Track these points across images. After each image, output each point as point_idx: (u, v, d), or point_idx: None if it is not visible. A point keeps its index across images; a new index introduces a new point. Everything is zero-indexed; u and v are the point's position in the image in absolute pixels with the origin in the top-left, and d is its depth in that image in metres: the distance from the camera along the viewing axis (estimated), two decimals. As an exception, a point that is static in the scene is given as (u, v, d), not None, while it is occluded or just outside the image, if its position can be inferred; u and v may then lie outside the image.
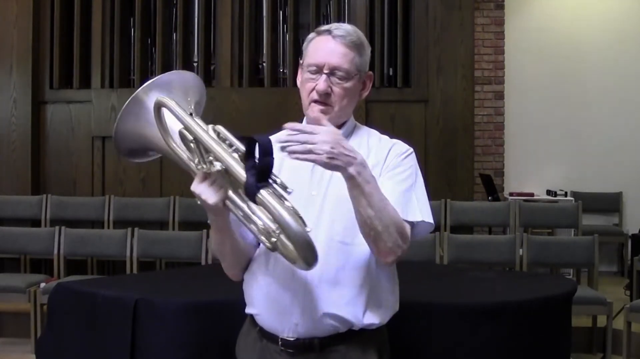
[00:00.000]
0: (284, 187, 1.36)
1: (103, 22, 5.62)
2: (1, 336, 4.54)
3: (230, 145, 1.40)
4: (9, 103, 5.59)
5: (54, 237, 4.52)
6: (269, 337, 1.59)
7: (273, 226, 1.34)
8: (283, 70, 5.67)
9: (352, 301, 1.54)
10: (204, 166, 1.41)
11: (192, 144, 1.41)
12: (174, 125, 1.48)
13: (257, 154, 1.35)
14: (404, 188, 1.56)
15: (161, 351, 2.61)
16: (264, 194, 1.32)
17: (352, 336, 1.56)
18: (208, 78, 5.70)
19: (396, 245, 1.47)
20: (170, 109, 1.44)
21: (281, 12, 5.69)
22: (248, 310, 1.64)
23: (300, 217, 1.34)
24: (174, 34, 5.70)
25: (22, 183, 5.55)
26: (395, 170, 1.58)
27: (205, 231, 4.25)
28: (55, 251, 4.51)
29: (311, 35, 1.64)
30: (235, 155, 1.38)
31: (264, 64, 5.62)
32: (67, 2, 5.67)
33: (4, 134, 5.58)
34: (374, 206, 1.43)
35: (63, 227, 4.56)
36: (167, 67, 5.71)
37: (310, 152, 1.36)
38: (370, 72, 1.66)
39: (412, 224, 1.54)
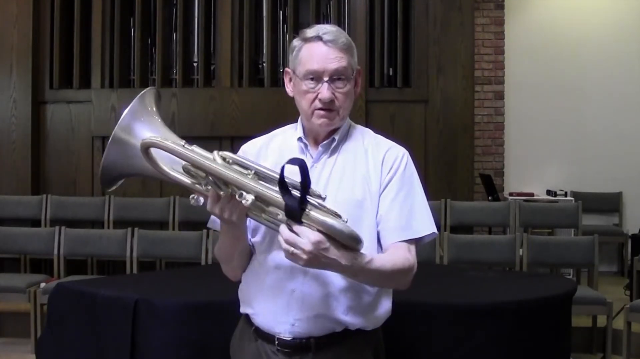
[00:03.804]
0: (319, 196, 1.40)
1: (103, 22, 5.62)
2: (1, 336, 4.54)
3: (244, 167, 1.41)
4: (9, 103, 5.59)
5: (54, 237, 4.52)
6: (264, 337, 1.59)
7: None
8: (283, 71, 5.65)
9: (348, 303, 1.55)
10: (222, 192, 1.40)
11: (204, 178, 1.40)
12: (167, 153, 1.44)
13: (286, 176, 1.37)
14: (409, 206, 1.58)
15: (161, 351, 2.61)
16: (309, 213, 1.36)
17: (348, 336, 1.57)
18: (208, 78, 5.70)
19: (403, 282, 1.56)
20: (166, 149, 1.39)
21: (281, 12, 5.69)
22: (244, 310, 1.64)
23: (339, 216, 1.40)
24: (174, 34, 5.70)
25: (22, 183, 5.55)
26: (397, 186, 1.59)
27: (205, 231, 4.25)
28: (55, 251, 4.50)
29: (297, 42, 1.60)
30: (254, 179, 1.39)
31: (264, 64, 5.62)
32: (67, 2, 5.67)
33: (4, 134, 5.58)
34: (371, 281, 1.53)
35: (63, 227, 4.56)
36: (167, 67, 5.71)
37: (292, 254, 1.37)
38: (359, 68, 1.65)
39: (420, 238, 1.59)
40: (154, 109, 1.49)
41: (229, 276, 1.67)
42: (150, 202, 5.22)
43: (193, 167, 1.40)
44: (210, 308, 2.61)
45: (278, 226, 1.40)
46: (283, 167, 1.38)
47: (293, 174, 1.48)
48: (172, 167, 1.44)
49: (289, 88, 1.65)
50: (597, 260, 4.20)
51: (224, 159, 1.40)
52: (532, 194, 6.44)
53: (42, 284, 4.28)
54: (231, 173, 1.37)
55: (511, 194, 6.47)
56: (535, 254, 4.25)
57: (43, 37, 5.65)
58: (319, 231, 1.36)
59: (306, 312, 1.54)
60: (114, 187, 1.56)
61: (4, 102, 5.59)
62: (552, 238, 5.02)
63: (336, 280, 1.54)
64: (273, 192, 1.37)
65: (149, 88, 1.51)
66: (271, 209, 1.40)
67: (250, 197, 1.35)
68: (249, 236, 1.63)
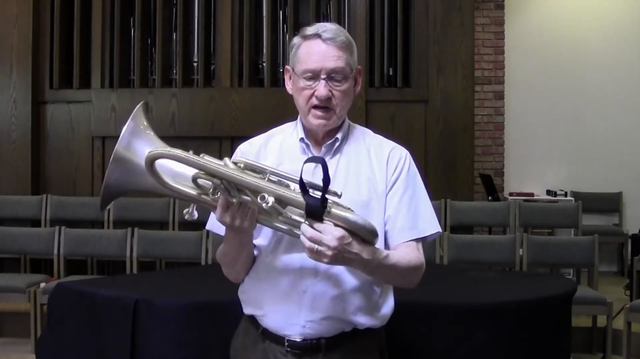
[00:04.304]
0: (336, 194, 1.41)
1: (103, 22, 5.62)
2: (1, 336, 4.54)
3: (258, 171, 1.41)
4: (9, 103, 5.59)
5: (54, 237, 4.52)
6: (273, 338, 1.59)
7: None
8: (283, 71, 5.64)
9: (358, 303, 1.55)
10: (234, 199, 1.39)
11: (212, 187, 1.38)
12: (169, 167, 1.43)
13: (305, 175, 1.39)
14: (415, 206, 1.60)
15: (161, 351, 2.61)
16: (330, 211, 1.37)
17: (357, 335, 1.58)
18: (208, 78, 5.70)
19: (413, 280, 1.57)
20: (176, 158, 1.37)
21: (281, 12, 5.69)
22: (250, 311, 1.63)
23: (353, 211, 1.42)
24: (174, 34, 5.70)
25: (22, 183, 5.55)
26: (402, 187, 1.60)
27: (205, 231, 4.25)
28: (55, 251, 4.50)
29: (297, 40, 1.61)
30: (270, 182, 1.39)
31: (264, 64, 5.62)
32: (67, 2, 5.67)
33: (4, 134, 5.58)
34: (387, 277, 1.54)
35: (63, 227, 4.56)
36: (167, 67, 5.71)
37: (315, 252, 1.37)
38: (359, 67, 1.65)
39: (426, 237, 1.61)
40: (146, 123, 1.49)
41: (230, 279, 1.66)
42: (150, 202, 5.21)
43: (205, 175, 1.38)
44: (210, 308, 2.61)
45: (293, 227, 1.41)
46: (302, 168, 1.39)
47: (295, 173, 1.48)
48: (175, 180, 1.42)
49: (288, 86, 1.65)
50: (597, 260, 4.20)
51: (235, 164, 1.40)
52: (532, 194, 6.44)
53: (42, 284, 4.28)
54: (248, 178, 1.37)
55: (511, 194, 6.47)
56: (535, 254, 4.25)
57: (43, 37, 5.65)
58: (340, 227, 1.38)
59: (317, 313, 1.54)
60: (109, 206, 1.56)
61: (4, 102, 5.58)
62: (552, 238, 5.02)
63: (346, 281, 1.54)
64: (292, 193, 1.38)
65: (139, 105, 1.49)
66: (287, 211, 1.40)
67: (271, 200, 1.35)
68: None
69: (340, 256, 1.37)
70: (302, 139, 1.63)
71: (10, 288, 4.27)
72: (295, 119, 1.69)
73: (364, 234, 1.40)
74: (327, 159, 1.61)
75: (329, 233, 1.36)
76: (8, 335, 4.53)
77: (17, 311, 4.49)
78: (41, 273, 4.88)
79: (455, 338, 2.60)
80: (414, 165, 1.64)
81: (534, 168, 6.73)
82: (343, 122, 1.65)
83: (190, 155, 1.38)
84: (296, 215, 1.40)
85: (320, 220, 1.37)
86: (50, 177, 5.66)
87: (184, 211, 1.44)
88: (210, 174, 1.37)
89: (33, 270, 5.03)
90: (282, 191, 1.37)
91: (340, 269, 1.53)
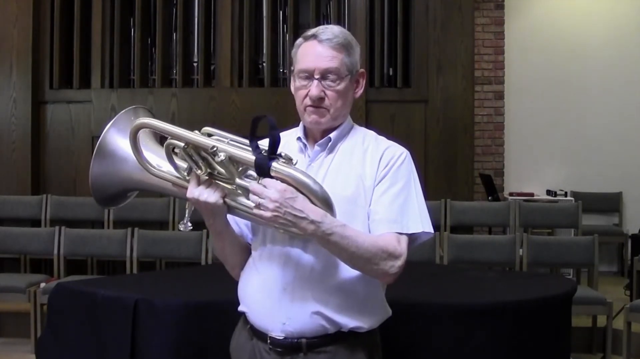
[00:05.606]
0: (289, 159, 1.43)
1: (103, 22, 5.62)
2: (1, 336, 4.54)
3: (221, 138, 1.47)
4: (9, 103, 5.59)
5: (54, 237, 4.52)
6: (258, 335, 1.60)
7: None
8: (283, 70, 5.67)
9: (339, 302, 1.54)
10: (200, 170, 1.45)
11: (184, 151, 1.44)
12: (149, 152, 1.54)
13: (256, 137, 1.44)
14: (400, 201, 1.56)
15: (161, 351, 2.61)
16: (277, 166, 1.40)
17: (340, 337, 1.56)
18: (208, 78, 5.70)
19: (386, 268, 1.49)
20: (153, 126, 1.48)
21: (281, 12, 5.69)
22: (241, 308, 1.65)
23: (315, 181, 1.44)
24: (174, 34, 5.70)
25: (22, 183, 5.55)
26: (389, 181, 1.57)
27: (205, 231, 4.26)
28: (55, 251, 4.51)
29: (299, 41, 1.64)
30: (228, 144, 1.45)
31: (264, 64, 5.62)
32: (67, 2, 5.67)
33: (4, 134, 5.58)
34: (346, 250, 1.46)
35: (63, 227, 4.56)
36: (167, 67, 5.71)
37: (258, 206, 1.40)
38: (363, 70, 1.66)
39: (411, 234, 1.55)
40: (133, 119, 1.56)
41: (233, 275, 1.69)
42: (150, 202, 5.21)
43: (173, 140, 1.45)
44: (210, 308, 2.62)
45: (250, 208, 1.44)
46: (254, 121, 1.44)
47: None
48: (157, 161, 1.53)
49: (292, 87, 1.67)
50: (597, 260, 4.20)
51: (203, 133, 1.48)
52: (532, 194, 6.44)
53: (42, 284, 4.28)
54: (206, 139, 1.44)
55: (511, 194, 6.47)
56: (535, 254, 4.25)
57: (43, 37, 5.65)
58: (288, 184, 1.40)
59: (296, 310, 1.53)
60: (112, 206, 1.65)
61: (4, 102, 5.58)
62: (552, 238, 5.02)
63: (327, 279, 1.54)
64: (243, 152, 1.43)
65: (140, 107, 1.60)
66: (245, 177, 1.45)
67: (222, 154, 1.40)
68: (250, 235, 1.65)
69: (282, 210, 1.38)
70: (299, 138, 1.65)
71: (10, 288, 4.28)
72: (298, 119, 1.70)
73: (315, 198, 1.41)
74: (321, 157, 1.63)
75: (272, 187, 1.38)
76: (8, 335, 4.53)
77: (17, 311, 4.49)
78: (41, 273, 4.88)
79: (455, 338, 2.61)
80: (411, 164, 1.62)
81: (534, 168, 6.73)
82: (342, 123, 1.65)
83: (164, 124, 1.47)
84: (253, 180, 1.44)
85: (268, 176, 1.40)
86: (50, 177, 5.66)
87: (179, 223, 1.53)
88: (177, 137, 1.45)
89: (33, 270, 5.03)
90: (233, 150, 1.43)
91: (322, 267, 1.53)
